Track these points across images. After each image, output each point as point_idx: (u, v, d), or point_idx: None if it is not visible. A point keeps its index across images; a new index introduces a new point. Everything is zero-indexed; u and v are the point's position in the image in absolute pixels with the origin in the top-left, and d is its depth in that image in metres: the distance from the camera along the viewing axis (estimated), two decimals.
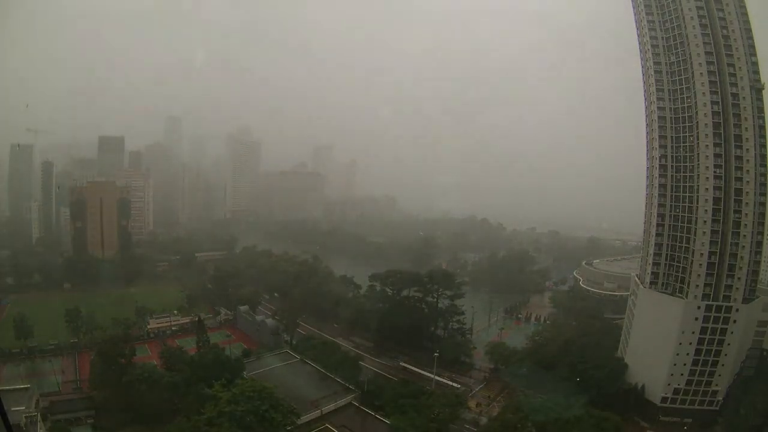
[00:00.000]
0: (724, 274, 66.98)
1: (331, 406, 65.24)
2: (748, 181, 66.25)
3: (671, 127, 72.08)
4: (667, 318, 70.14)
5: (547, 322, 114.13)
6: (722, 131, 66.75)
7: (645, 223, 79.68)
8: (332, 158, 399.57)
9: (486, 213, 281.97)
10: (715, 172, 66.53)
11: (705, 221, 67.12)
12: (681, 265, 70.38)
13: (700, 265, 67.47)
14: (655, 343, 70.95)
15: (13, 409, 45.69)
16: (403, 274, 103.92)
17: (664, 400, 69.69)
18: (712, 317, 66.89)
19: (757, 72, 68.40)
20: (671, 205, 72.35)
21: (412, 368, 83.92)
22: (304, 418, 60.40)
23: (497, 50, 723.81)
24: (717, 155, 66.58)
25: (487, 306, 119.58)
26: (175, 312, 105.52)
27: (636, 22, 77.99)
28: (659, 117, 72.93)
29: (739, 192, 66.34)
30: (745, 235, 66.35)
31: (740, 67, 67.72)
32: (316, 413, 63.09)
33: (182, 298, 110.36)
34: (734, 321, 66.69)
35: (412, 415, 59.34)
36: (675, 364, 68.39)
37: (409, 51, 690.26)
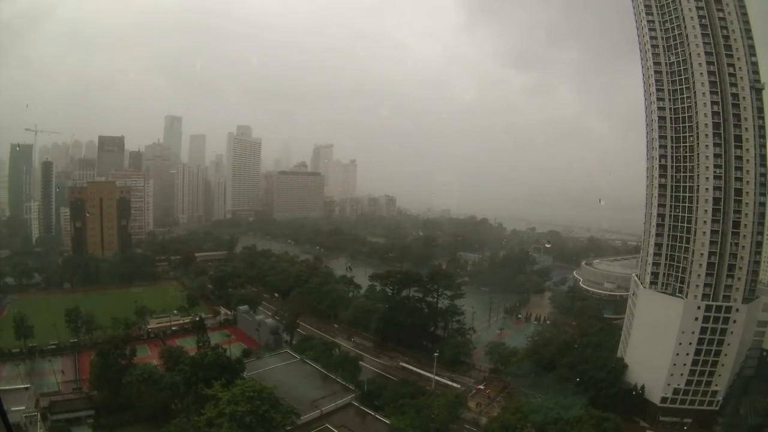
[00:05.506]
0: (724, 274, 66.90)
1: (331, 406, 65.18)
2: (748, 181, 66.13)
3: (671, 127, 71.94)
4: (667, 318, 70.04)
5: (547, 322, 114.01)
6: (722, 131, 66.68)
7: (645, 223, 79.56)
8: (332, 158, 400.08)
9: (486, 213, 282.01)
10: (715, 172, 66.42)
11: (705, 221, 67.05)
12: (681, 265, 70.29)
13: (700, 265, 67.42)
14: (655, 343, 70.88)
15: (13, 409, 45.85)
16: (403, 274, 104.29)
17: (663, 400, 69.62)
18: (712, 317, 66.83)
19: (757, 72, 68.28)
20: (671, 205, 72.19)
21: (412, 368, 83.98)
22: (304, 418, 60.31)
23: (497, 50, 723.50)
24: (717, 155, 66.47)
25: (487, 306, 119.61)
26: (175, 312, 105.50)
27: (636, 22, 77.93)
28: (659, 117, 72.77)
29: (739, 192, 66.21)
30: (745, 235, 66.27)
31: (740, 67, 67.63)
32: (316, 413, 63.06)
33: (182, 298, 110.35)
34: (734, 321, 66.62)
35: (411, 415, 59.38)
36: (675, 364, 68.33)
37: (408, 51, 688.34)
